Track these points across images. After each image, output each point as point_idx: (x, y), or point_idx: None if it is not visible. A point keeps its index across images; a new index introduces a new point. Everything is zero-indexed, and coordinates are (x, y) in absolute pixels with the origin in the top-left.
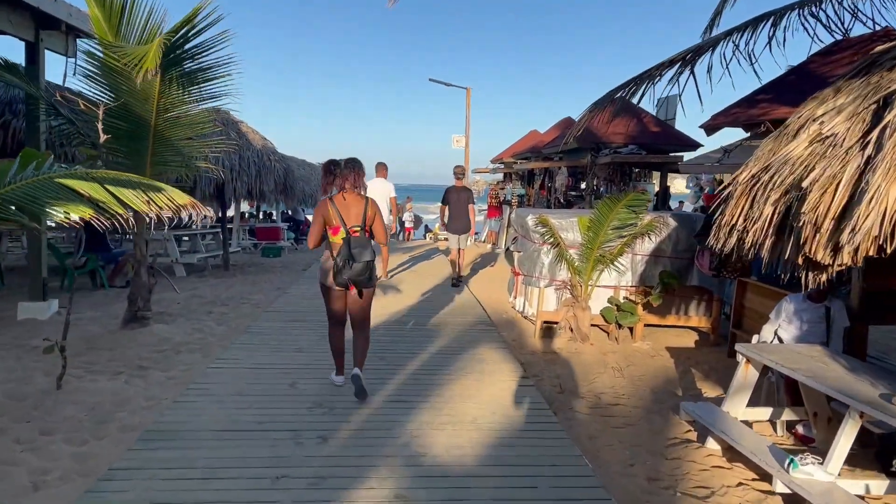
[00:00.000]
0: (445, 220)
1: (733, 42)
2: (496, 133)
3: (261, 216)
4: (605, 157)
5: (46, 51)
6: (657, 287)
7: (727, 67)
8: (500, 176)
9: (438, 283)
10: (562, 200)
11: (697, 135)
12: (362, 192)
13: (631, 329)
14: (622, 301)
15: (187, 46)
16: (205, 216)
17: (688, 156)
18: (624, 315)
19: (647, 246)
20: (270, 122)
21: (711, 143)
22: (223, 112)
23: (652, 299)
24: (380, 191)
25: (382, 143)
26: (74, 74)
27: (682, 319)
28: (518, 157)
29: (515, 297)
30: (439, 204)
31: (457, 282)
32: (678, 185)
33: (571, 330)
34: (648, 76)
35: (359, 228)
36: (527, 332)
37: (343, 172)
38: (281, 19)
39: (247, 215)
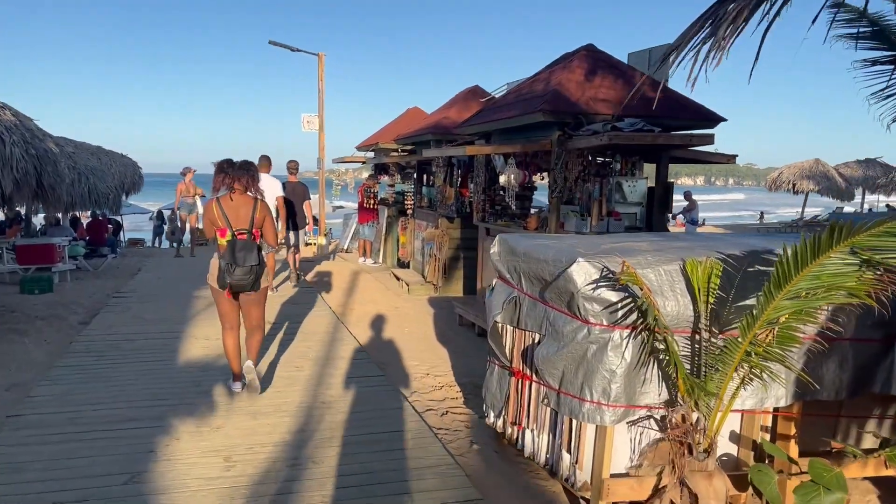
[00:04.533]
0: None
1: None
2: (360, 116)
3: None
4: (588, 138)
5: None
6: None
7: None
8: (377, 169)
9: (321, 350)
10: (513, 207)
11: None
12: (256, 195)
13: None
14: (811, 459)
15: None
16: None
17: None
18: (820, 496)
19: (815, 320)
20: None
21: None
22: None
23: (889, 455)
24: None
25: (212, 127)
26: None
27: (862, 463)
28: (405, 142)
29: (519, 426)
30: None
31: (297, 281)
32: None
33: None
34: None
35: (245, 231)
36: None
37: (235, 174)
38: None
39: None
